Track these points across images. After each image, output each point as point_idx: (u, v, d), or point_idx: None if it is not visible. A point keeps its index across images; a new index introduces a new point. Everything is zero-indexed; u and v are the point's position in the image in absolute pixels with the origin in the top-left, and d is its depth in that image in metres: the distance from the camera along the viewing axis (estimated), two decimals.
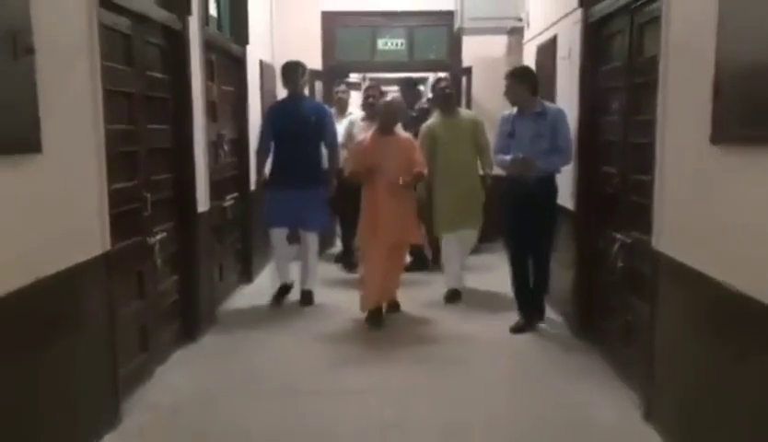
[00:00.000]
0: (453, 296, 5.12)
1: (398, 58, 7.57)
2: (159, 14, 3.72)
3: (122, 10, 3.22)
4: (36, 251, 2.35)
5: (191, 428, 3.05)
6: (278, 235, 4.95)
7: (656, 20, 3.09)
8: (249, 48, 5.71)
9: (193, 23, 4.16)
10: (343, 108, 6.32)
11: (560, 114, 4.20)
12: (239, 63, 5.59)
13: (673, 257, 2.78)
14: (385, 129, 4.56)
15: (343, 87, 6.54)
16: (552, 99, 4.72)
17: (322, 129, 4.94)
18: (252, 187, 5.42)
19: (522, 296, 4.45)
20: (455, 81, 6.88)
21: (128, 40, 3.38)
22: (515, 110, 4.29)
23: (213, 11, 5.07)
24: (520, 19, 6.14)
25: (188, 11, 4.03)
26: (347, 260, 6.23)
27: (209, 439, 2.96)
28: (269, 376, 3.68)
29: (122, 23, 3.28)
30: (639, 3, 3.37)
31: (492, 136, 4.76)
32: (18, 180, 2.26)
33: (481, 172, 5.19)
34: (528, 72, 4.40)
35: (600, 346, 3.95)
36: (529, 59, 5.74)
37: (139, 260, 3.48)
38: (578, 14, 4.20)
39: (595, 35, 4.07)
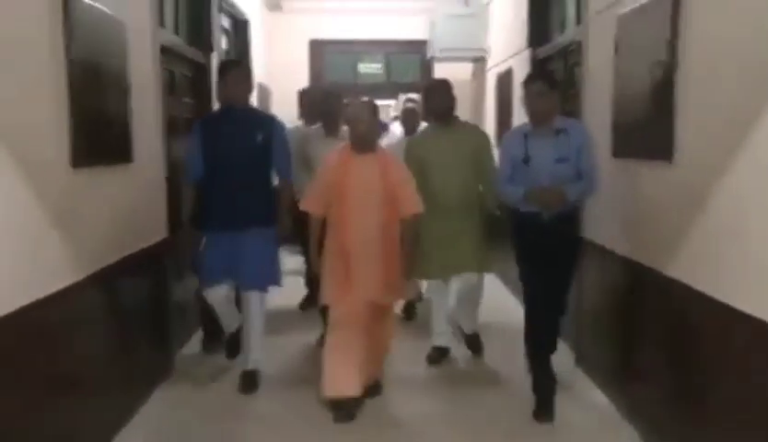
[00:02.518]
0: (437, 356, 4.05)
1: (377, 80, 8.59)
2: (191, 52, 4.65)
3: (166, 51, 4.14)
4: (125, 235, 3.25)
5: None
6: (216, 297, 3.65)
7: (580, 63, 4.12)
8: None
9: (214, 56, 5.09)
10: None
11: (584, 131, 3.33)
12: None
13: (596, 241, 3.78)
14: (361, 145, 3.28)
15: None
16: (509, 120, 5.76)
17: (270, 150, 3.60)
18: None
19: (540, 369, 3.33)
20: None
21: (172, 74, 4.30)
22: (524, 126, 3.36)
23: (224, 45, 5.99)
24: (483, 50, 7.20)
25: (211, 48, 4.96)
26: (313, 300, 4.63)
27: None
28: None
29: (168, 61, 4.20)
30: (570, 49, 4.42)
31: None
32: (118, 181, 3.17)
33: (489, 207, 3.94)
34: (553, 76, 3.48)
35: None
36: (491, 84, 6.81)
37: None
38: (527, 53, 5.24)
39: (542, 69, 5.11)
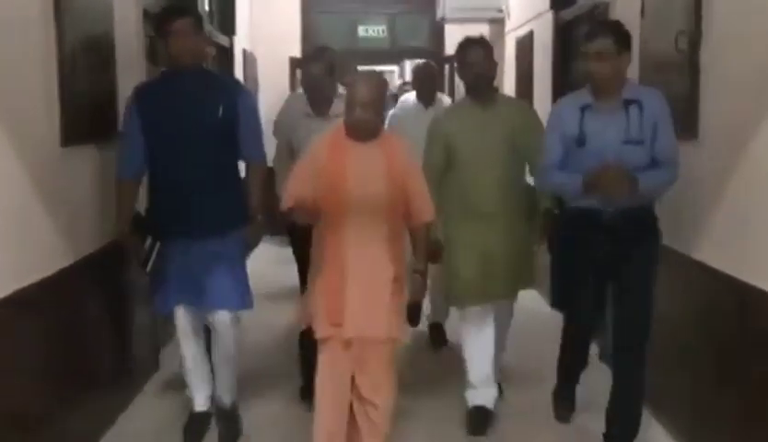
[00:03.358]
0: (481, 421, 3.51)
1: (379, 45, 8.91)
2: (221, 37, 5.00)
3: (147, 15, 4.44)
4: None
5: None
6: (180, 321, 3.36)
7: None
8: (235, 38, 6.99)
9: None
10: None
11: (663, 101, 2.96)
12: (227, 54, 6.85)
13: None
14: (359, 131, 2.88)
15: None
16: (530, 93, 6.09)
17: (237, 127, 3.25)
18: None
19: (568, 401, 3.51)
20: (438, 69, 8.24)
21: (153, 40, 4.64)
22: (582, 95, 3.03)
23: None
24: (501, 11, 7.52)
25: (233, 32, 5.30)
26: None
27: None
28: None
29: (149, 27, 4.54)
30: (597, 11, 4.74)
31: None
32: (109, 158, 3.51)
33: (545, 204, 3.48)
34: (625, 30, 2.99)
35: None
36: (510, 50, 7.14)
37: None
38: (550, 15, 5.57)
39: (565, 34, 5.44)
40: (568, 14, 5.31)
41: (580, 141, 2.94)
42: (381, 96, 2.94)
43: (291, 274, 4.14)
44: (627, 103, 2.91)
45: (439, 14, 8.10)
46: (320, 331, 2.88)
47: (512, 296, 3.58)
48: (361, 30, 8.94)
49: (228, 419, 3.45)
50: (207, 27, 5.94)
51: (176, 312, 3.33)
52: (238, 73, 7.15)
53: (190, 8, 3.51)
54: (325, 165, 2.87)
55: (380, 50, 8.84)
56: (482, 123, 3.41)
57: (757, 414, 2.60)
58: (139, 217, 3.31)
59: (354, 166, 2.86)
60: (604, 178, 2.81)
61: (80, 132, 3.12)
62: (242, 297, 3.35)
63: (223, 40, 6.75)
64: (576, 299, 3.14)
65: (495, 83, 3.67)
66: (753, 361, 2.63)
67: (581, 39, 2.99)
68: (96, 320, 3.37)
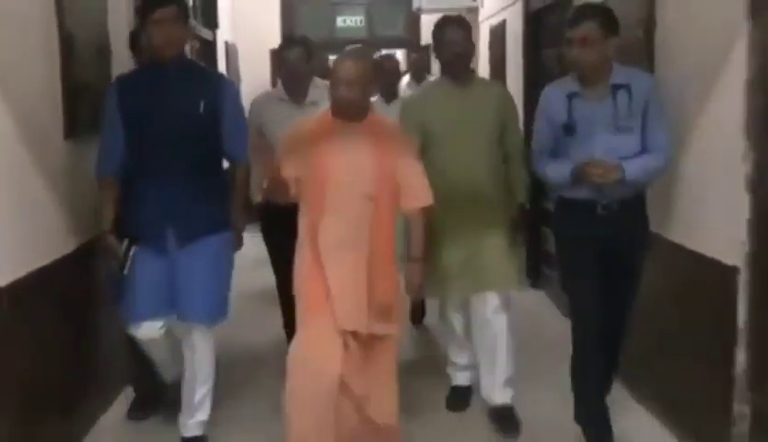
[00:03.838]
0: (458, 400, 3.58)
1: (357, 35, 9.13)
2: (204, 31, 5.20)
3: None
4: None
5: None
6: (148, 337, 3.12)
7: None
8: (218, 32, 7.17)
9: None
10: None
11: (652, 83, 2.96)
12: (210, 48, 7.03)
13: None
14: (344, 111, 2.80)
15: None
16: (504, 81, 6.33)
17: (219, 122, 3.12)
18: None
19: (594, 418, 3.01)
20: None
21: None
22: (568, 83, 2.97)
23: None
24: (475, 0, 7.76)
25: (216, 25, 5.48)
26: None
27: None
28: None
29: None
30: (565, 2, 4.99)
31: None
32: None
33: (519, 199, 3.48)
34: (612, 14, 2.92)
35: None
36: (483, 38, 7.39)
37: None
38: (520, 4, 5.81)
39: (536, 23, 5.68)
40: (538, 2, 5.56)
41: (569, 129, 2.89)
42: (368, 74, 2.82)
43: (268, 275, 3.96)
44: (615, 88, 2.84)
45: (416, 4, 8.33)
46: (303, 317, 2.81)
47: (489, 288, 3.27)
48: (339, 21, 9.18)
49: None
50: (191, 21, 6.17)
51: (147, 322, 3.05)
52: (221, 66, 7.34)
53: None
54: (309, 145, 2.80)
55: (358, 40, 9.05)
56: (458, 104, 3.28)
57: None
58: (117, 217, 3.10)
59: (338, 148, 2.78)
60: (591, 170, 2.77)
61: (82, 124, 3.30)
62: (216, 308, 3.13)
63: (206, 33, 6.94)
64: (581, 297, 2.99)
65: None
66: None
67: (566, 24, 2.88)
68: (93, 307, 3.41)
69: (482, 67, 7.46)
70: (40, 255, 2.89)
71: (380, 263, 2.83)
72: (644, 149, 2.86)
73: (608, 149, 2.82)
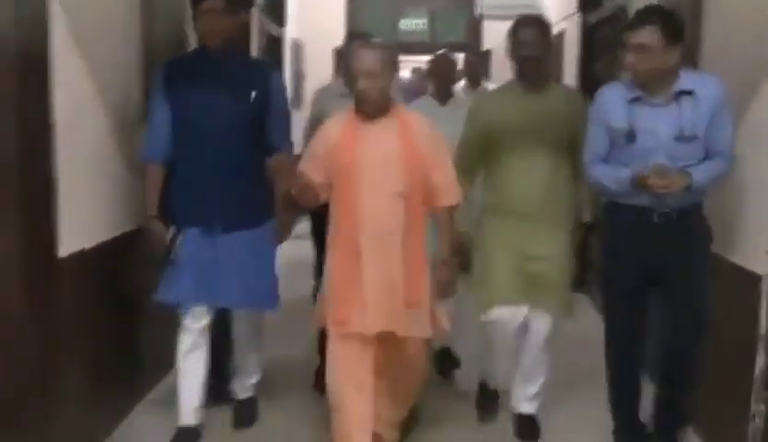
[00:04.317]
0: (488, 403, 3.49)
1: (419, 38, 9.36)
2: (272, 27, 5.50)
3: None
4: None
5: None
6: (186, 323, 3.10)
7: None
8: (286, 29, 7.47)
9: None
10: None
11: (720, 89, 2.70)
12: (277, 45, 7.33)
13: None
14: (363, 104, 2.75)
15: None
16: None
17: (268, 113, 3.11)
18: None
19: None
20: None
21: None
22: (629, 88, 2.76)
23: None
24: (537, 8, 7.87)
25: (284, 23, 5.76)
26: None
27: None
28: None
29: None
30: (620, 15, 5.11)
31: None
32: None
33: (585, 218, 3.37)
34: (677, 19, 2.72)
35: None
36: None
37: None
38: (578, 17, 5.94)
39: (591, 36, 5.80)
40: (593, 17, 5.69)
41: (630, 137, 2.71)
42: (389, 64, 2.72)
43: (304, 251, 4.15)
44: (679, 95, 2.67)
45: (477, 10, 8.51)
46: (334, 320, 2.79)
47: (541, 306, 3.11)
48: (403, 23, 9.42)
49: (244, 406, 3.36)
50: (260, 17, 6.43)
51: (185, 308, 3.05)
52: (287, 62, 7.66)
53: None
54: (336, 146, 2.75)
55: (421, 42, 9.29)
56: (523, 109, 3.08)
57: None
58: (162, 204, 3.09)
59: (364, 146, 2.72)
60: (656, 182, 2.60)
61: None
62: (266, 297, 3.15)
63: (274, 30, 7.25)
64: (622, 318, 2.89)
65: None
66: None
67: (626, 26, 2.74)
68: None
69: None
70: (117, 226, 3.22)
71: (412, 263, 2.77)
72: (706, 155, 2.71)
73: (670, 157, 2.66)
